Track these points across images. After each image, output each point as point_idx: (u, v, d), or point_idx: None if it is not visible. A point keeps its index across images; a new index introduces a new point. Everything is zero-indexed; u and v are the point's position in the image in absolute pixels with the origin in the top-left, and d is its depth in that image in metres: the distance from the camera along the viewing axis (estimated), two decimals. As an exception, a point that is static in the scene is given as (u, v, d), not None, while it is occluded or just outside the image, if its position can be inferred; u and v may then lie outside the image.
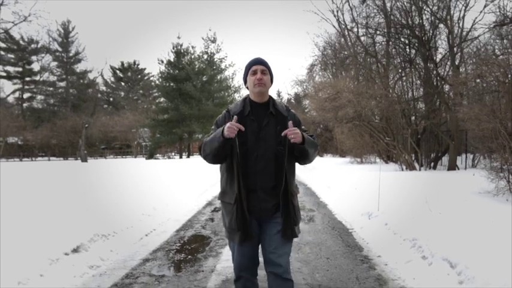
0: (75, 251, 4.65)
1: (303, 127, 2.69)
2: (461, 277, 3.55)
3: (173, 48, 45.12)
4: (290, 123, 2.47)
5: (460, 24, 16.97)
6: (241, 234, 2.56)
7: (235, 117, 2.47)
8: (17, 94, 62.30)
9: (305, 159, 2.59)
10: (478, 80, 14.05)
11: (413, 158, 18.03)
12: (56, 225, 5.34)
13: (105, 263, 4.61)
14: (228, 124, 2.41)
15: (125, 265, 4.60)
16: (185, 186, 11.98)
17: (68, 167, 25.83)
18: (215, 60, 47.12)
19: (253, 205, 2.56)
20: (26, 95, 63.35)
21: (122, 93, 72.54)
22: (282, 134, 2.44)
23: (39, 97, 64.26)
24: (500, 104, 9.69)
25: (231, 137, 2.38)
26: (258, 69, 2.62)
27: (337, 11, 24.16)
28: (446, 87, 17.82)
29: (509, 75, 9.19)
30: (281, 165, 2.53)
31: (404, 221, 5.69)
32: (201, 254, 5.12)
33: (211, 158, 2.57)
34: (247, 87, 2.71)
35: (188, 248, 5.46)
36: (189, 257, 5.02)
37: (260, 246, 2.68)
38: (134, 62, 70.73)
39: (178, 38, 52.52)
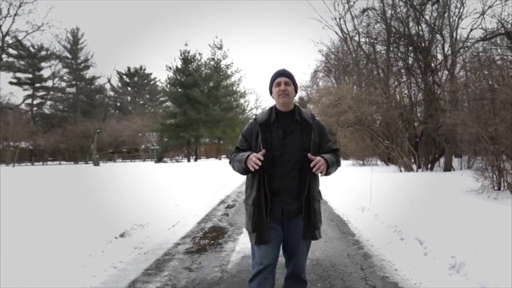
0: (121, 236, 5.78)
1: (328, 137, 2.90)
2: (426, 250, 4.64)
3: (181, 55, 46.57)
4: (315, 159, 2.57)
5: (454, 35, 18.01)
6: (257, 235, 2.68)
7: (262, 152, 2.58)
8: (27, 100, 63.95)
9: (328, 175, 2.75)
10: (472, 87, 15.10)
11: (412, 160, 19.09)
12: (103, 216, 6.51)
13: (146, 245, 5.73)
14: (251, 156, 2.58)
15: (162, 247, 5.72)
16: (199, 187, 13.09)
17: (85, 170, 27.10)
18: (221, 66, 48.41)
19: (278, 207, 2.69)
20: (36, 101, 65.04)
21: (129, 98, 74.03)
22: (312, 167, 2.56)
23: (49, 103, 65.98)
24: (484, 110, 10.70)
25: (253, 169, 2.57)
26: (282, 81, 2.76)
27: (340, 19, 25.32)
28: (444, 93, 18.91)
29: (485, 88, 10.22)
30: (305, 170, 2.63)
31: (390, 212, 6.79)
32: (222, 240, 6.22)
33: (241, 173, 2.79)
34: (272, 97, 2.85)
35: (210, 236, 6.55)
36: (212, 241, 6.12)
37: (282, 246, 2.84)
38: (141, 68, 72.26)
39: (186, 45, 54.33)
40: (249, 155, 2.62)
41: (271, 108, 2.84)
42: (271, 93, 2.85)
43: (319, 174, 2.68)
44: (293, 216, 2.72)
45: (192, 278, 4.29)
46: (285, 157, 2.67)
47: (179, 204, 9.09)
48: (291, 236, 2.77)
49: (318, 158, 2.59)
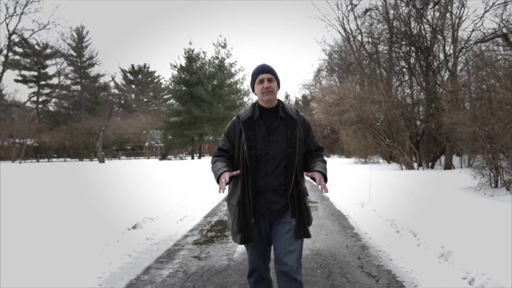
0: (134, 228, 6.16)
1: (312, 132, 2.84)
2: (419, 241, 4.98)
3: (185, 54, 46.92)
4: (317, 178, 2.55)
5: (455, 35, 18.27)
6: (242, 236, 2.61)
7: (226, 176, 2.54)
8: (33, 97, 64.47)
9: None
10: (472, 87, 15.38)
11: (413, 159, 19.39)
12: (115, 209, 6.89)
13: (157, 237, 6.09)
14: (221, 178, 2.54)
15: (172, 238, 6.07)
16: (203, 183, 13.45)
17: (92, 167, 27.57)
18: (225, 64, 48.70)
19: (263, 207, 2.62)
20: (41, 99, 65.52)
21: (133, 96, 74.48)
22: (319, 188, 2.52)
23: (54, 100, 66.48)
24: (482, 110, 11.02)
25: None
26: (265, 77, 2.66)
27: (343, 19, 25.60)
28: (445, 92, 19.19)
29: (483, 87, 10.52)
30: (291, 166, 2.59)
31: (388, 208, 7.13)
32: (228, 232, 6.55)
33: None
34: (255, 94, 2.76)
35: (216, 229, 6.91)
36: (218, 234, 6.47)
37: (272, 246, 2.76)
38: (145, 65, 72.62)
39: (190, 43, 54.52)
40: (222, 173, 2.57)
41: (254, 105, 2.76)
42: (253, 90, 2.77)
43: (319, 187, 2.55)
44: (281, 215, 2.66)
45: (201, 266, 4.64)
46: (270, 155, 2.60)
47: (186, 199, 9.47)
48: (279, 235, 2.65)
49: (317, 176, 2.57)
